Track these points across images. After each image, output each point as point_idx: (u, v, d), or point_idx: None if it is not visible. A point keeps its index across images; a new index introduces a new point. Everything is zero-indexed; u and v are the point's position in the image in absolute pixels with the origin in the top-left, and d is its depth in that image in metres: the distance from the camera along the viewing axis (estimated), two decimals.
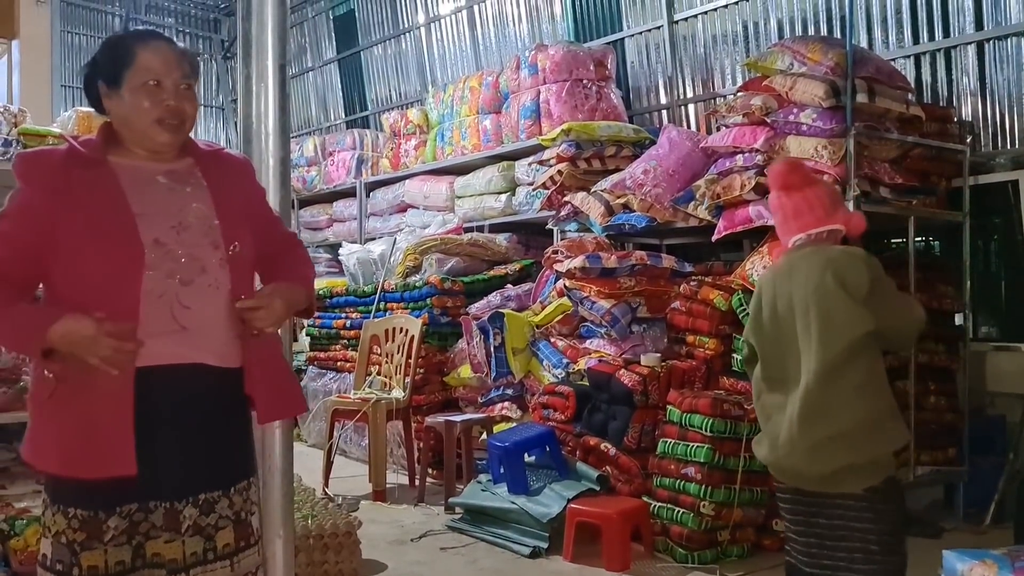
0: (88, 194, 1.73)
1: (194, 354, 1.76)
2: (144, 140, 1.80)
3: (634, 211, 4.98)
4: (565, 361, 4.80)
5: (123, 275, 1.70)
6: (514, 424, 4.81)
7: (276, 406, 1.93)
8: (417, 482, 5.05)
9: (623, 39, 6.69)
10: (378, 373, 5.52)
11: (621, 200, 5.06)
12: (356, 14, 9.57)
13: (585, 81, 6.10)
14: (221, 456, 1.83)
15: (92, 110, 1.91)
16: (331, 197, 8.64)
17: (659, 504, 3.86)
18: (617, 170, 5.35)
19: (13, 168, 1.75)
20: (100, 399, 1.69)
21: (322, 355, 6.62)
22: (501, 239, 6.35)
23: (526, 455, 4.25)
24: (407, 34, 8.90)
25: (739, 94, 4.67)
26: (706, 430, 3.71)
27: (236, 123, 10.27)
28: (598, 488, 4.02)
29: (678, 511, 3.76)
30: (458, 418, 4.90)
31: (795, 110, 4.19)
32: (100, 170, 1.76)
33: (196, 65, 1.91)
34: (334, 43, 10.03)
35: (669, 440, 3.89)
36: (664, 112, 6.48)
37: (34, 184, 1.73)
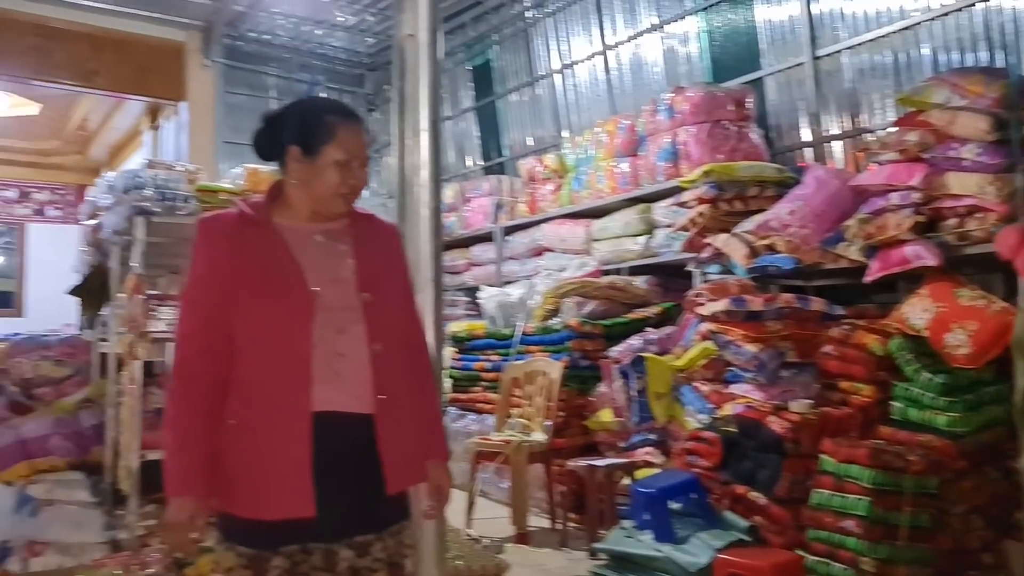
0: (260, 253, 1.87)
1: (348, 401, 1.85)
2: (319, 206, 1.93)
3: (779, 252, 4.86)
4: (709, 406, 4.69)
5: (295, 323, 1.83)
6: (657, 470, 4.73)
7: (404, 472, 1.96)
8: (559, 526, 5.02)
9: (763, 77, 6.59)
10: (519, 416, 5.56)
11: (765, 241, 4.95)
12: (492, 63, 9.85)
13: (725, 122, 6.03)
14: (375, 500, 1.89)
15: (259, 166, 2.08)
16: (469, 242, 8.85)
17: (814, 558, 3.68)
18: (760, 211, 5.23)
19: (197, 232, 1.91)
20: (279, 443, 1.80)
21: (463, 396, 6.73)
22: (640, 282, 6.30)
23: (670, 502, 4.16)
24: (542, 80, 9.08)
25: (891, 130, 4.50)
26: (865, 481, 3.53)
27: (379, 172, 10.72)
28: (748, 539, 3.88)
29: (836, 566, 3.57)
30: (600, 462, 4.87)
31: (956, 145, 3.99)
32: (267, 229, 1.91)
33: (374, 141, 2.08)
34: (472, 92, 10.35)
35: (824, 491, 3.72)
36: (808, 150, 6.30)
37: (216, 246, 1.89)
